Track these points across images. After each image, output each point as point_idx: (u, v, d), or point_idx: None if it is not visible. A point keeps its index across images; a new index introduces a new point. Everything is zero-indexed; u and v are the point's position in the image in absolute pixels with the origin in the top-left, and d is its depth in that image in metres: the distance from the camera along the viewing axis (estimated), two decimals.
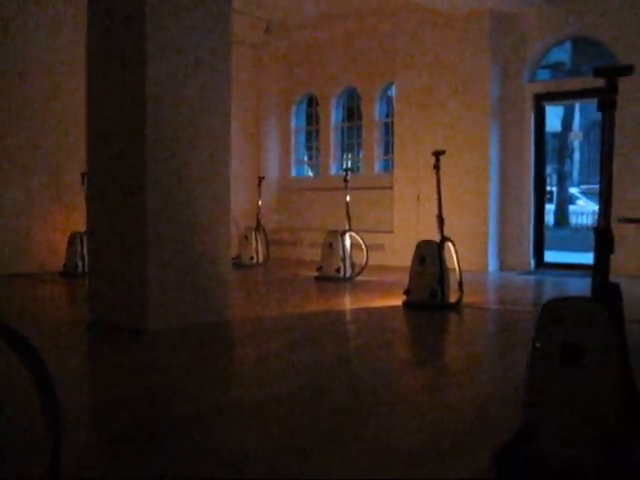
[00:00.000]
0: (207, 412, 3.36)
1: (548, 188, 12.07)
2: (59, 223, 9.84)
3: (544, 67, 11.21)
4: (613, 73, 2.48)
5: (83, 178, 8.50)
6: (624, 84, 2.53)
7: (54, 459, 1.96)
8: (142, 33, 5.38)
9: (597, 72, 2.52)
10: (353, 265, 9.22)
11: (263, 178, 12.05)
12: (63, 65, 9.74)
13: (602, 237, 2.47)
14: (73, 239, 9.41)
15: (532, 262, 10.19)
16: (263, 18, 12.03)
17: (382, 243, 11.05)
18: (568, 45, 13.75)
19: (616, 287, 2.45)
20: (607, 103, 2.50)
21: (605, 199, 2.52)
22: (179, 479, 2.52)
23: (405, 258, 7.44)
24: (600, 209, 2.54)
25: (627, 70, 2.48)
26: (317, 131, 13.27)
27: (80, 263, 9.26)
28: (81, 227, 8.65)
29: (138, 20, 5.41)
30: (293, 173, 13.64)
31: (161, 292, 5.47)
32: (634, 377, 2.44)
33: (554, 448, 2.36)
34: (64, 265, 9.47)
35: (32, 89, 9.52)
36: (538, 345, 2.45)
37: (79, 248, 9.30)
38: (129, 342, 5.14)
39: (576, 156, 29.57)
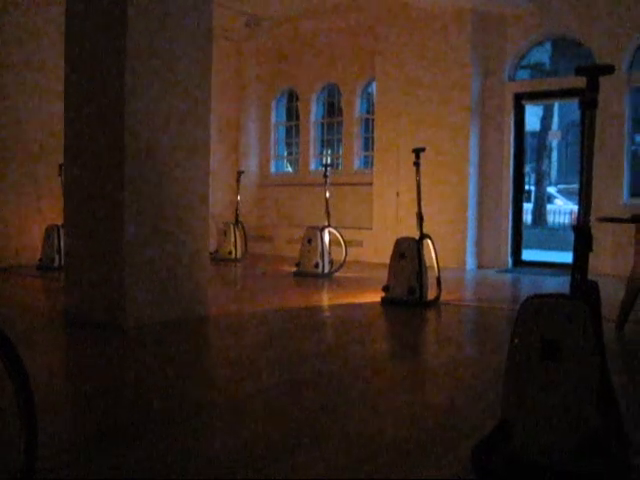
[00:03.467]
0: (184, 409, 3.35)
1: (526, 187, 12.12)
2: (35, 215, 9.73)
3: (524, 67, 11.26)
4: (594, 72, 2.48)
5: (60, 169, 8.41)
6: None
7: (28, 456, 1.94)
8: (122, 30, 5.32)
9: (579, 71, 2.52)
10: (332, 261, 9.22)
11: (242, 173, 12.00)
12: (40, 57, 9.64)
13: (581, 235, 2.48)
14: (50, 232, 9.31)
15: (510, 260, 10.25)
16: (244, 12, 11.96)
17: (361, 239, 11.05)
18: (548, 45, 13.82)
19: (594, 285, 2.46)
20: (588, 102, 2.50)
21: (585, 198, 2.53)
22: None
23: (384, 255, 7.45)
24: (580, 208, 2.55)
25: (608, 69, 2.49)
26: (297, 126, 13.24)
27: (57, 256, 9.16)
28: (58, 220, 8.56)
29: (118, 16, 5.35)
30: (272, 168, 13.60)
31: (139, 287, 5.43)
32: (610, 374, 2.45)
33: (532, 445, 2.37)
34: (40, 259, 9.37)
35: (9, 81, 9.42)
36: (517, 341, 2.45)
37: (56, 241, 9.20)
38: (106, 338, 5.10)
39: (554, 156, 29.78)
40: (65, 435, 3.00)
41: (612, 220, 5.62)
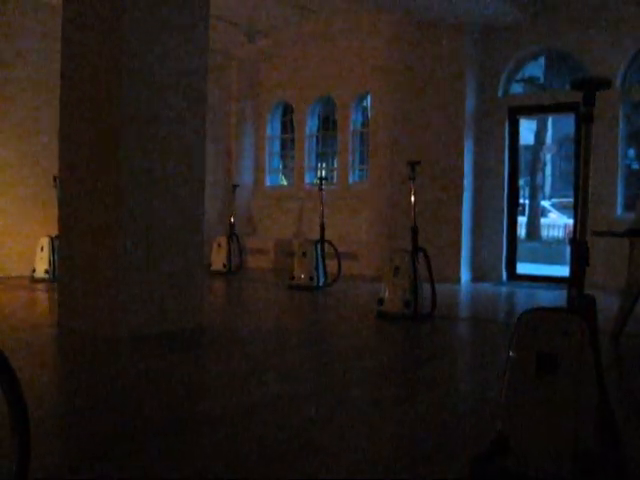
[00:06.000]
0: (178, 422, 3.32)
1: (520, 200, 12.13)
2: (30, 226, 9.69)
3: (518, 81, 11.31)
4: (591, 86, 2.48)
5: (55, 181, 8.40)
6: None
7: (21, 468, 1.92)
8: (119, 47, 5.34)
9: (575, 85, 2.52)
10: (326, 274, 9.20)
11: (237, 186, 12.01)
12: (35, 68, 9.65)
13: (578, 249, 2.48)
14: (44, 243, 9.29)
15: (504, 274, 10.25)
16: (240, 25, 11.99)
17: (356, 253, 11.04)
18: (542, 60, 13.89)
19: (591, 299, 2.45)
20: (584, 116, 2.50)
21: (581, 212, 2.52)
22: None
23: (379, 268, 7.44)
24: (576, 221, 2.55)
25: (605, 84, 2.49)
26: (292, 139, 13.26)
27: (50, 268, 9.14)
28: (52, 231, 8.54)
29: (115, 33, 5.37)
30: (267, 181, 13.60)
31: (132, 299, 5.41)
32: (607, 388, 2.44)
33: (529, 458, 2.35)
34: (34, 270, 9.34)
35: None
36: (514, 355, 2.44)
37: (49, 253, 9.18)
38: (99, 349, 5.07)
39: (548, 169, 29.87)
40: (58, 447, 2.97)
41: (607, 234, 5.63)
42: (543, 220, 24.72)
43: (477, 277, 10.28)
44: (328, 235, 9.39)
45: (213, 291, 8.98)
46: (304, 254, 9.13)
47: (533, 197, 24.44)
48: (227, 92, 13.03)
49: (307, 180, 12.84)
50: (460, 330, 6.57)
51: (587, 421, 2.29)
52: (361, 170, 12.21)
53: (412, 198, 6.81)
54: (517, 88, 11.15)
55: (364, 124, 12.22)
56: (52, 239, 9.04)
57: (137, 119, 5.42)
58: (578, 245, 2.48)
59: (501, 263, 10.24)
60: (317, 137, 13.04)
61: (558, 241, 21.01)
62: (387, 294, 6.69)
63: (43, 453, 2.70)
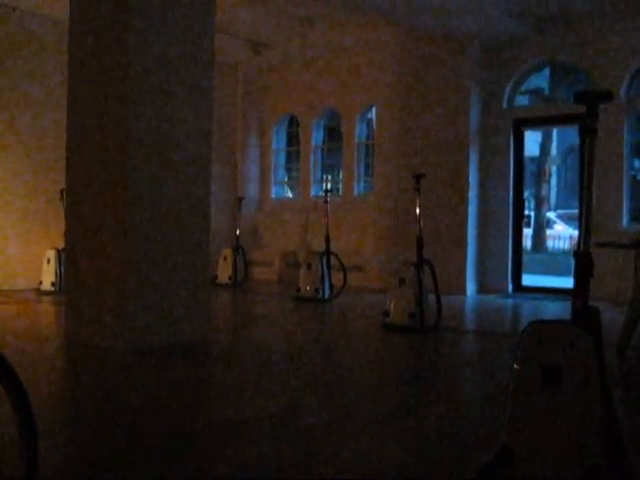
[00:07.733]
0: (183, 433, 3.32)
1: (526, 212, 12.12)
2: (36, 239, 9.73)
3: (523, 93, 11.33)
4: (593, 99, 2.49)
5: (62, 194, 8.44)
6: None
7: (29, 478, 1.93)
8: (126, 60, 5.38)
9: (578, 98, 2.53)
10: (332, 286, 9.20)
11: (243, 198, 12.04)
12: (43, 83, 9.71)
13: (582, 261, 2.48)
14: (51, 256, 9.33)
15: (510, 285, 10.23)
16: (245, 38, 12.04)
17: (361, 264, 11.04)
18: (547, 71, 13.92)
19: (596, 311, 2.45)
20: (588, 129, 2.51)
21: (585, 223, 2.53)
22: None
23: (384, 280, 7.44)
24: (580, 233, 2.55)
25: (607, 96, 2.50)
26: (298, 152, 13.29)
27: (57, 281, 9.17)
28: (59, 244, 8.57)
29: (122, 47, 5.41)
30: (273, 194, 13.63)
31: (138, 312, 5.42)
32: (613, 400, 2.44)
33: (535, 470, 2.35)
34: (40, 282, 9.37)
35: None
36: (518, 367, 2.44)
37: (56, 265, 9.21)
38: (106, 361, 5.08)
39: (553, 180, 29.82)
40: (66, 457, 2.97)
41: (612, 245, 5.62)
42: (549, 231, 24.66)
43: (483, 289, 10.27)
44: (333, 247, 9.38)
45: (219, 303, 8.99)
46: (309, 266, 9.14)
47: (538, 208, 24.39)
48: (233, 104, 13.08)
49: (312, 192, 12.85)
50: (465, 342, 6.56)
51: (592, 433, 2.29)
52: (366, 182, 12.23)
53: (417, 210, 6.83)
54: (522, 100, 11.17)
55: (369, 136, 12.25)
56: (59, 252, 9.08)
57: (144, 135, 5.45)
58: (582, 256, 2.48)
59: (507, 275, 10.24)
60: (322, 149, 13.07)
61: (564, 252, 20.94)
62: (392, 306, 6.69)
63: (50, 463, 2.70)
